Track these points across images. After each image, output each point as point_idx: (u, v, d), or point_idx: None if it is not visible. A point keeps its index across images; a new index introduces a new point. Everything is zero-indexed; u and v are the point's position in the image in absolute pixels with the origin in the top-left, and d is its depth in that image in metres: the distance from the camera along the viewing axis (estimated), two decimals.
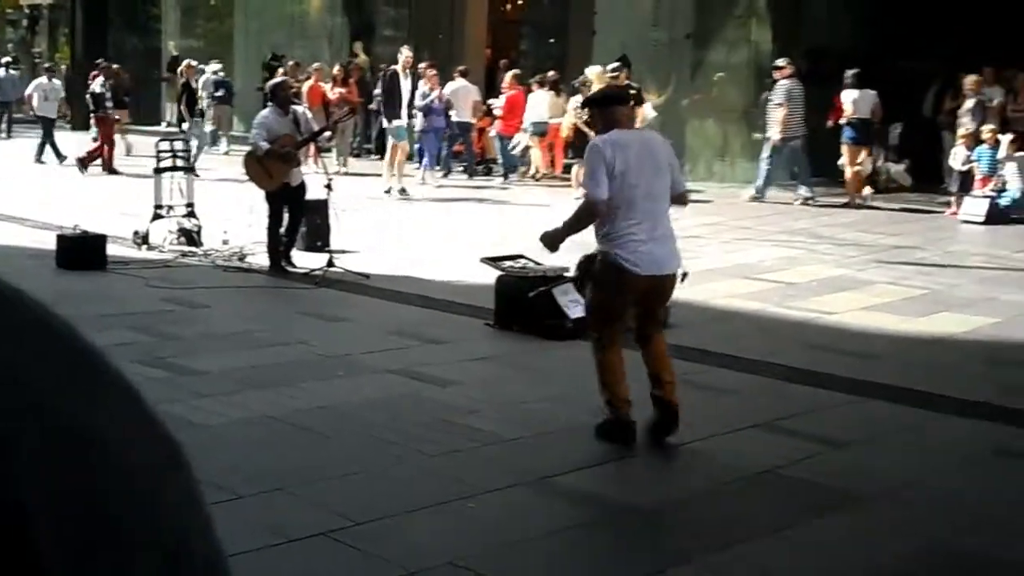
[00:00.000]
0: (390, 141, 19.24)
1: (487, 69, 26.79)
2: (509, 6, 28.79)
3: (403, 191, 18.64)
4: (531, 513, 5.76)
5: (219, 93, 24.47)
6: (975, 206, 16.96)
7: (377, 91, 20.90)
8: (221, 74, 25.05)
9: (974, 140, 17.57)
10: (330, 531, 5.24)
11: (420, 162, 20.55)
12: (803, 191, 18.79)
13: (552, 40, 26.99)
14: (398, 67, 19.30)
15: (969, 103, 18.48)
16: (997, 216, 16.74)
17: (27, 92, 24.91)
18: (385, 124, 19.29)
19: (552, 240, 7.16)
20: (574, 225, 7.09)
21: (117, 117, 22.56)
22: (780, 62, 18.88)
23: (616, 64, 19.10)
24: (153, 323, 9.61)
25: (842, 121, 18.58)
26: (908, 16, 21.13)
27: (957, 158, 17.80)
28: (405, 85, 19.14)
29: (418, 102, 20.30)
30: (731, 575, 4.99)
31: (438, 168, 21.36)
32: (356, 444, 6.63)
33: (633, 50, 21.11)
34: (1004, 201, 16.93)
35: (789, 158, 18.89)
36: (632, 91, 18.90)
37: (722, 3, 21.26)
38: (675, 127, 20.75)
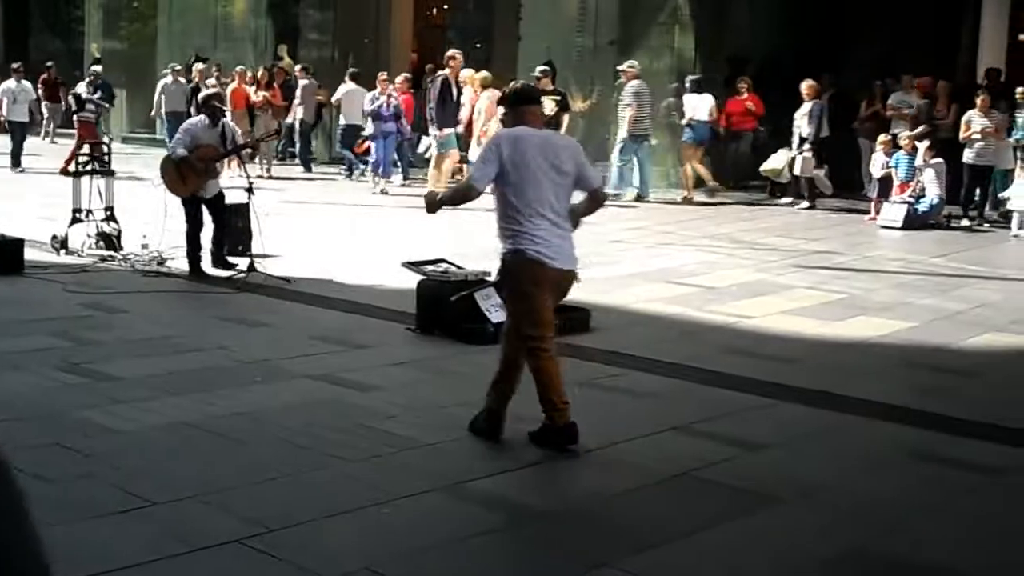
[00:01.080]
0: (434, 149, 18.88)
1: (413, 73, 26.73)
2: (435, 10, 28.77)
3: None
4: (448, 518, 5.75)
5: (96, 95, 24.37)
6: (893, 212, 17.20)
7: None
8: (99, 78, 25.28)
9: (892, 146, 17.83)
10: (244, 538, 5.18)
11: (371, 167, 20.43)
12: (630, 188, 19.61)
13: (478, 45, 26.97)
14: (447, 72, 18.77)
15: (805, 107, 19.03)
16: (915, 222, 16.99)
17: None
18: (435, 132, 18.73)
19: (431, 204, 7.32)
20: (450, 198, 7.36)
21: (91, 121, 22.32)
22: (625, 65, 19.66)
23: (543, 68, 19.20)
24: (70, 328, 9.48)
25: (683, 122, 19.91)
26: (829, 25, 21.40)
27: (875, 164, 18.04)
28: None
29: (367, 107, 20.14)
30: None
31: (395, 172, 21.23)
32: (273, 450, 6.58)
33: (558, 55, 21.21)
34: (922, 207, 17.18)
35: (631, 153, 19.64)
36: (557, 97, 19.09)
37: (646, 10, 21.36)
38: (600, 132, 20.88)
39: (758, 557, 5.35)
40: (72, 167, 13.49)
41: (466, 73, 19.65)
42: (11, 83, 23.23)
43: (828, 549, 5.47)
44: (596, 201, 7.11)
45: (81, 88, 22.85)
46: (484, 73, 19.49)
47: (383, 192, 19.79)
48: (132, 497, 5.65)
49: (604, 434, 6.97)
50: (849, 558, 5.39)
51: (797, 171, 19.34)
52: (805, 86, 19.06)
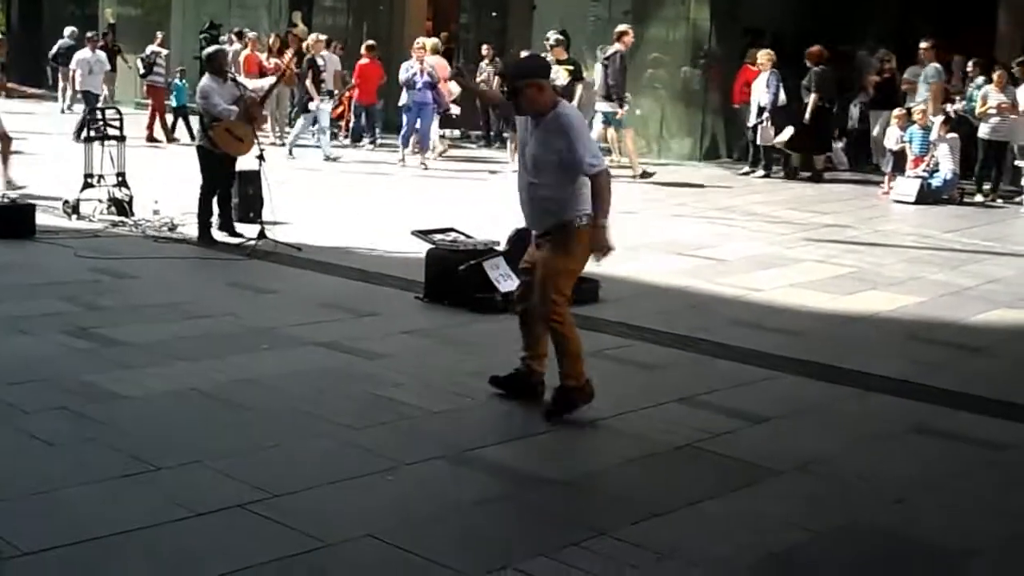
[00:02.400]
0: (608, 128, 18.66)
1: None
2: None
3: (644, 174, 18.45)
4: (451, 485, 5.77)
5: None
6: (906, 186, 17.14)
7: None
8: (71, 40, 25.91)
9: (906, 120, 17.74)
10: (247, 503, 5.22)
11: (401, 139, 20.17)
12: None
13: (493, 14, 26.89)
14: (621, 47, 18.31)
15: (762, 77, 19.01)
16: (928, 196, 16.93)
17: (71, 66, 22.87)
18: (608, 109, 18.43)
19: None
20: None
21: (159, 85, 22.42)
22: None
23: (557, 37, 19.10)
24: (80, 293, 9.52)
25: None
26: None
27: (890, 138, 17.97)
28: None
29: (401, 76, 19.79)
30: (647, 548, 5.01)
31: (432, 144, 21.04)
32: (279, 417, 6.61)
33: (572, 25, 21.09)
34: (935, 182, 17.11)
35: None
36: (571, 67, 19.01)
37: None
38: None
39: (757, 529, 5.36)
40: (88, 133, 13.49)
41: (420, 40, 19.84)
42: (87, 53, 22.58)
43: (827, 522, 5.48)
44: None
45: (150, 50, 23.13)
46: (435, 40, 19.70)
47: (424, 166, 19.15)
48: (136, 461, 5.68)
49: (610, 404, 6.98)
50: (848, 531, 5.40)
51: (758, 140, 19.40)
52: (762, 55, 19.11)
